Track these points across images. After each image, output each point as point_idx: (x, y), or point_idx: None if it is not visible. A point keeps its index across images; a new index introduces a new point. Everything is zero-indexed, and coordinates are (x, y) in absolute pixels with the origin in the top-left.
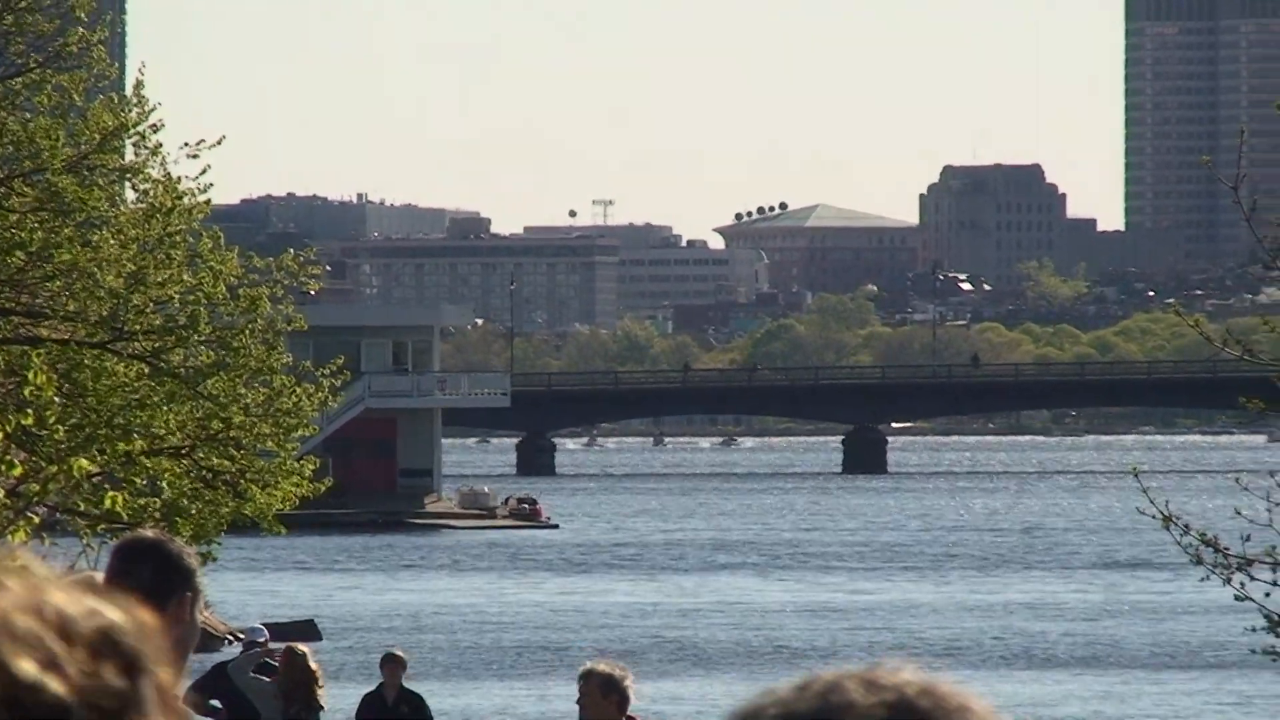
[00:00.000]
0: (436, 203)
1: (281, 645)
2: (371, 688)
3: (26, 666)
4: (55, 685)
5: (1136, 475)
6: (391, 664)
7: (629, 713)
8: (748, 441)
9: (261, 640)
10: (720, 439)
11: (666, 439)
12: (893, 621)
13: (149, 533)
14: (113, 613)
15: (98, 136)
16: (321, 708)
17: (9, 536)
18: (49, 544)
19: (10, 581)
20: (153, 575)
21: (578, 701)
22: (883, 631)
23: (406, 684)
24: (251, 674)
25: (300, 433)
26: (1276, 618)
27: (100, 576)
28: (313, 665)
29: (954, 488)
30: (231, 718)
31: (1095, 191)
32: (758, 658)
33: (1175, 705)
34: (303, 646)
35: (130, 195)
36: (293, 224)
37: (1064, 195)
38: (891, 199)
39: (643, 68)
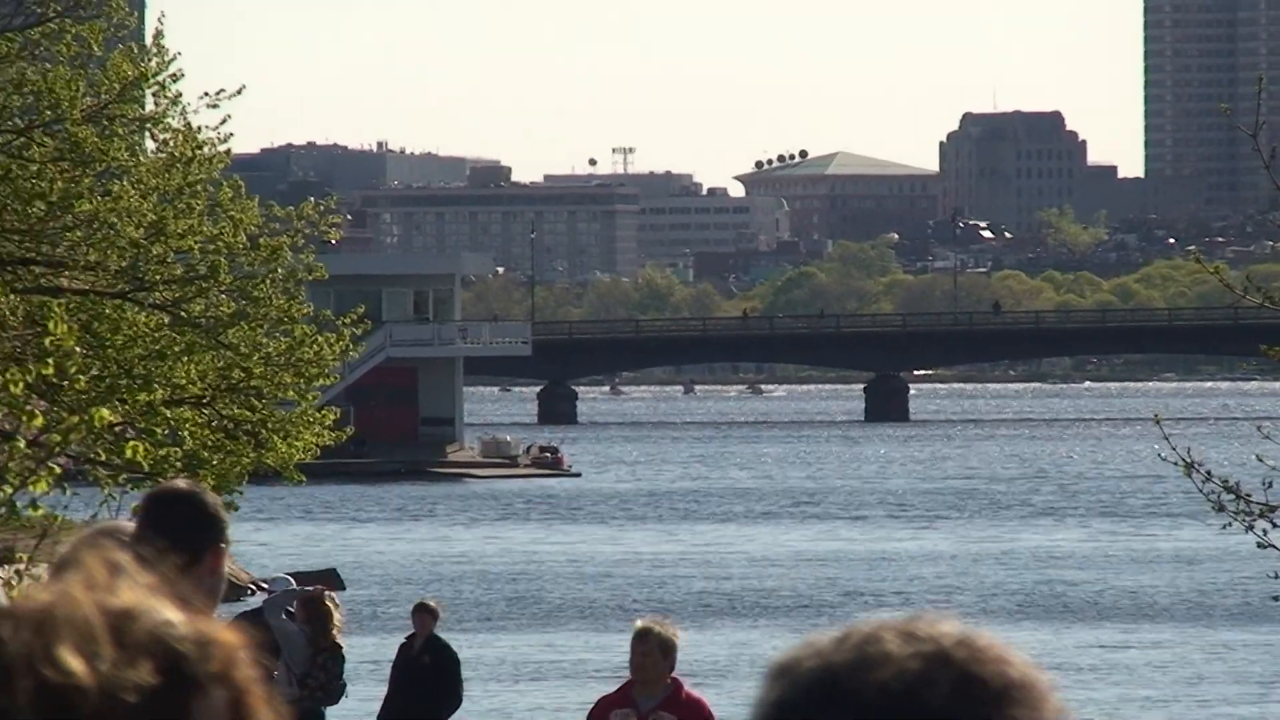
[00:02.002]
0: (456, 151)
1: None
2: (405, 637)
3: (66, 654)
4: (80, 671)
5: (1159, 422)
6: (419, 613)
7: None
8: (777, 390)
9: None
10: (745, 387)
11: (696, 387)
12: (914, 570)
13: (183, 483)
14: (175, 619)
15: (117, 86)
16: (339, 646)
17: (30, 486)
18: (70, 494)
19: (92, 571)
20: (187, 525)
21: (633, 660)
22: (903, 580)
23: (438, 633)
24: (282, 617)
25: (321, 382)
26: None
27: (128, 526)
28: (327, 604)
29: (976, 435)
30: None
31: (1115, 138)
32: (780, 608)
33: (1196, 653)
34: (318, 588)
35: (150, 145)
36: (313, 173)
37: (1084, 142)
38: (911, 146)
39: (663, 15)
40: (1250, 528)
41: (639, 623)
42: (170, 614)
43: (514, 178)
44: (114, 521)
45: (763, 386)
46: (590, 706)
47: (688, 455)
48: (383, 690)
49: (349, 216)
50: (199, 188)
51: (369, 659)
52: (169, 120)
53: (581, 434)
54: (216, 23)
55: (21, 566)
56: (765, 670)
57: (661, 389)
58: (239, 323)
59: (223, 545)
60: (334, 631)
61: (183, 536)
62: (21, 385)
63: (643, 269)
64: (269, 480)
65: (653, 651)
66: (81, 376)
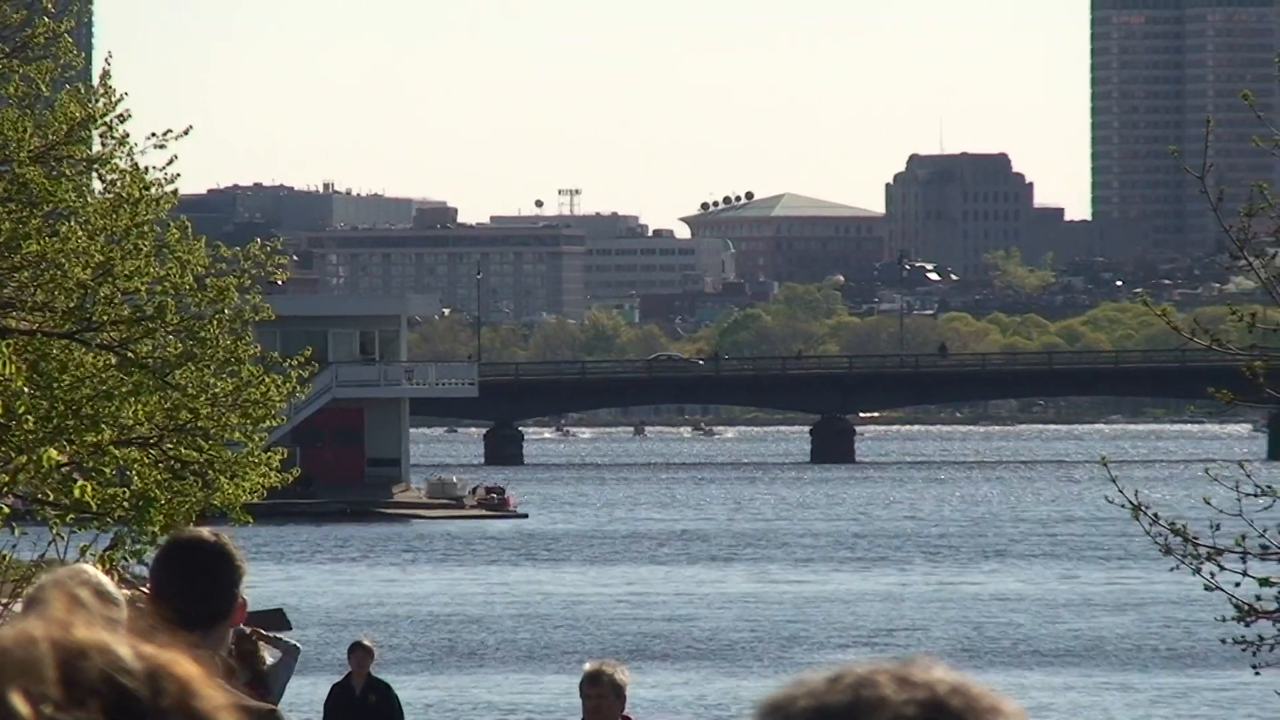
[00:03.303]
0: (403, 192)
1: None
2: (339, 678)
3: (15, 698)
4: (26, 715)
5: (1105, 464)
6: (359, 653)
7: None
8: (727, 431)
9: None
10: (694, 429)
11: (647, 428)
12: (860, 610)
13: (206, 531)
14: (128, 655)
15: (65, 127)
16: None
17: None
18: (19, 533)
19: (53, 609)
20: (221, 578)
21: (586, 704)
22: (847, 623)
23: (374, 673)
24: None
25: (268, 423)
26: (1246, 607)
27: (91, 571)
28: (253, 641)
29: (922, 478)
30: None
31: (1062, 181)
32: (727, 649)
33: (1144, 696)
34: (252, 627)
35: (97, 186)
36: (259, 214)
37: (1031, 184)
38: (858, 188)
39: (608, 57)
40: (1198, 570)
41: (589, 666)
42: (124, 650)
43: (460, 219)
44: (79, 566)
45: (713, 428)
46: None
47: (635, 496)
48: None
49: (295, 257)
50: (146, 228)
51: (310, 699)
52: (116, 161)
53: (528, 475)
54: (164, 63)
55: None
56: (757, 707)
57: (610, 430)
58: (186, 363)
59: (244, 596)
60: (260, 668)
61: (216, 589)
62: None
63: (589, 310)
64: (216, 521)
65: (606, 694)
66: (30, 417)
